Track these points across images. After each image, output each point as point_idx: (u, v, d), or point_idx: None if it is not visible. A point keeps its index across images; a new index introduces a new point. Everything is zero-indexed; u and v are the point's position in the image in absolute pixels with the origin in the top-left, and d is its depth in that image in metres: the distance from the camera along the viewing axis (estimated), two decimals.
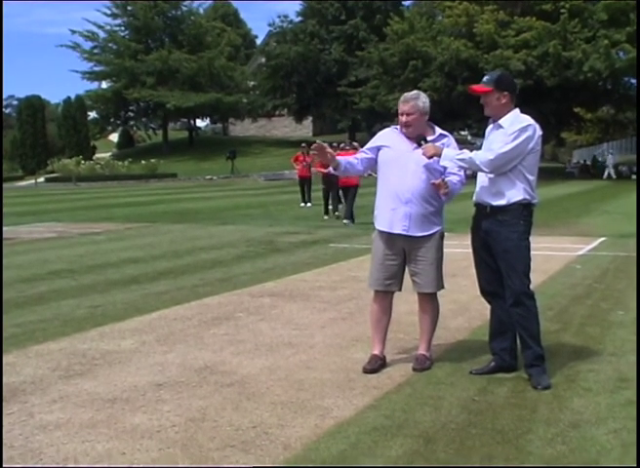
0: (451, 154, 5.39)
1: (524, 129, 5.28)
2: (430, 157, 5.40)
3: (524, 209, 5.37)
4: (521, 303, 5.32)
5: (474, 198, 5.55)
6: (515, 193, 5.32)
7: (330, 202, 20.16)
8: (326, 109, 71.16)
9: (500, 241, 5.33)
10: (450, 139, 5.68)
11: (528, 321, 5.35)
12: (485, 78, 5.49)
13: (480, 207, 5.49)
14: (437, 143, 5.54)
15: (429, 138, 5.57)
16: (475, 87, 5.46)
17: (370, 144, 5.83)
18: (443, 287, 5.80)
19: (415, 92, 5.80)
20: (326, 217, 19.81)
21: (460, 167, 5.43)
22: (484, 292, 5.69)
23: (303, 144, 25.75)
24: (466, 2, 50.98)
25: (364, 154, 5.83)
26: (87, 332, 6.87)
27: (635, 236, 14.39)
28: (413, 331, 6.23)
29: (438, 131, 5.69)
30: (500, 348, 5.55)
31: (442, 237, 5.72)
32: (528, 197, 5.35)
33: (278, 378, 5.39)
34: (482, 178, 5.47)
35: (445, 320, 7.22)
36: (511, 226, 5.32)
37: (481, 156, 5.32)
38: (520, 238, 5.35)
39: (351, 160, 5.84)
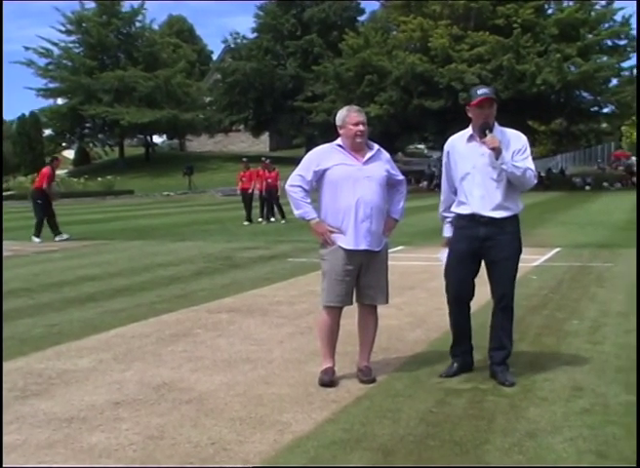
0: (508, 157, 5.46)
1: (526, 140, 5.60)
2: (492, 149, 5.42)
3: (517, 217, 5.64)
4: (509, 307, 5.64)
5: (469, 210, 5.59)
6: (514, 205, 5.58)
7: (265, 209, 24.31)
8: (282, 124, 71.24)
9: (503, 248, 5.53)
10: (387, 154, 5.80)
11: (510, 322, 5.68)
12: (488, 90, 5.61)
13: (476, 217, 5.56)
14: (376, 157, 5.65)
15: (368, 155, 5.61)
16: (492, 96, 5.56)
17: (308, 172, 5.59)
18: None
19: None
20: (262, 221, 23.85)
21: (512, 173, 5.44)
22: (461, 300, 5.77)
23: (261, 159, 26.42)
24: (420, 17, 51.49)
25: (306, 187, 5.61)
26: (44, 352, 6.79)
27: (589, 246, 14.63)
28: (376, 344, 6.14)
29: (376, 146, 5.72)
30: (462, 351, 5.80)
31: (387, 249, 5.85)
32: (522, 206, 5.66)
33: (237, 394, 5.38)
34: (477, 192, 5.54)
35: (403, 332, 7.29)
36: (512, 234, 5.57)
37: (532, 173, 5.52)
38: (520, 245, 5.63)
39: (310, 203, 5.64)
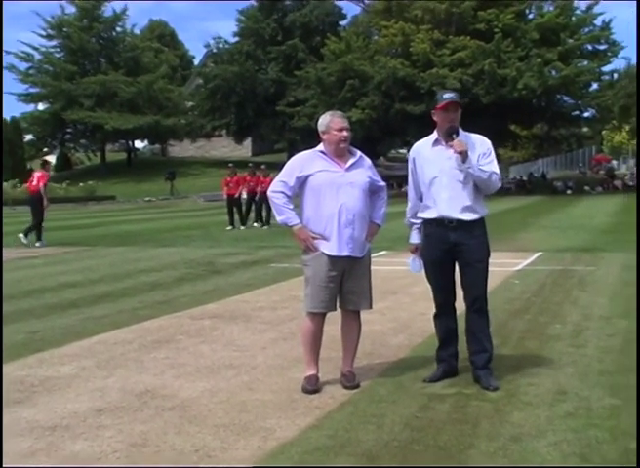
0: (474, 161, 5.49)
1: (490, 144, 5.64)
2: (459, 153, 5.43)
3: (484, 220, 5.68)
4: (483, 309, 5.67)
5: (436, 213, 5.60)
6: (480, 208, 5.62)
7: (254, 214, 24.61)
8: (264, 129, 71.16)
9: (474, 251, 5.57)
10: (368, 160, 5.81)
11: (487, 324, 5.71)
12: (453, 94, 5.64)
13: (445, 221, 5.58)
14: (358, 164, 5.66)
15: (351, 161, 5.61)
16: (457, 100, 5.59)
17: (291, 178, 5.58)
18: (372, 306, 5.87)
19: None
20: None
21: (478, 176, 5.48)
22: (446, 305, 5.81)
23: (248, 164, 26.60)
24: (402, 22, 51.56)
25: (288, 193, 5.58)
26: (25, 359, 6.74)
27: (571, 250, 14.69)
28: (360, 349, 6.13)
29: (358, 152, 5.72)
30: (448, 355, 5.83)
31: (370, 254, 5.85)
32: (486, 210, 5.69)
33: (220, 401, 5.36)
34: (445, 195, 5.55)
35: (386, 337, 7.29)
36: (480, 237, 5.62)
37: (497, 176, 5.56)
38: (488, 247, 5.68)
39: (293, 209, 5.61)
